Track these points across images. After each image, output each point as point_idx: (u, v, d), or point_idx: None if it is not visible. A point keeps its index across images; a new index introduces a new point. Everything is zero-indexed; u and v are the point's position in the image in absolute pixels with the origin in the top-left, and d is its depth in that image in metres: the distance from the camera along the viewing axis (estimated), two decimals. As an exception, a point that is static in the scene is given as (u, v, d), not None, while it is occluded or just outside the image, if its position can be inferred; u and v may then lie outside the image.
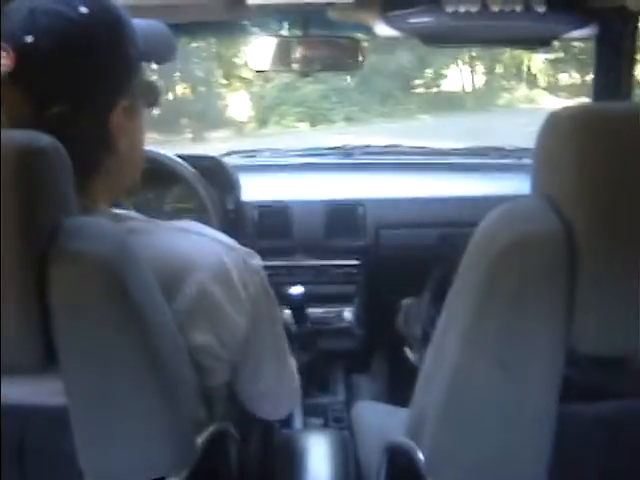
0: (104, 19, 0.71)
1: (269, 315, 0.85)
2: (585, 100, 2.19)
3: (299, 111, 9.25)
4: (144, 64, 0.80)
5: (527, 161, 1.85)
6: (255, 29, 1.77)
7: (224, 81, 9.55)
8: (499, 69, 11.34)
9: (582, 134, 0.63)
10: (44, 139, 0.61)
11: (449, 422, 0.73)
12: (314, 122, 9.21)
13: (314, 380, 1.78)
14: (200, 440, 0.73)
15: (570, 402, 0.69)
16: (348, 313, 1.76)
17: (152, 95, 0.84)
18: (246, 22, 1.72)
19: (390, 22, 1.26)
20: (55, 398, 0.66)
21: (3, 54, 0.66)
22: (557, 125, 0.66)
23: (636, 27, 1.36)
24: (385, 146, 2.16)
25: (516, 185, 1.45)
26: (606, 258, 0.63)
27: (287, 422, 1.66)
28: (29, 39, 0.66)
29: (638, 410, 0.73)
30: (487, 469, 0.73)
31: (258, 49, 1.43)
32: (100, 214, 0.73)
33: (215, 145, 6.67)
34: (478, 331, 0.68)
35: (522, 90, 11.46)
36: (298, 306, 1.46)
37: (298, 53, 1.42)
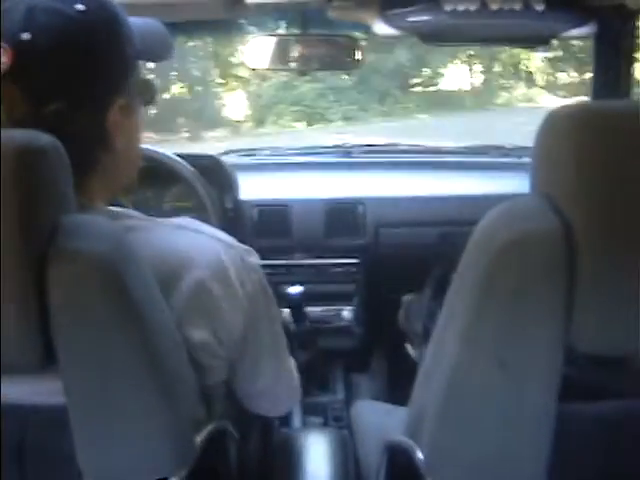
0: (101, 17, 0.71)
1: (267, 313, 0.85)
2: (584, 99, 2.19)
3: (296, 110, 9.24)
4: (141, 62, 0.80)
5: (526, 160, 1.85)
6: (252, 28, 1.77)
7: (221, 80, 9.55)
8: (497, 68, 11.34)
9: (581, 133, 0.63)
10: (44, 138, 0.61)
11: (448, 421, 0.73)
12: (311, 121, 9.21)
13: (313, 379, 1.78)
14: (199, 439, 0.73)
15: (569, 401, 0.69)
16: (348, 312, 1.76)
17: (149, 93, 0.84)
18: (243, 21, 1.71)
19: (389, 20, 1.26)
20: (55, 398, 0.66)
21: (1, 52, 0.65)
22: (556, 124, 0.66)
23: (635, 25, 1.35)
24: (384, 145, 2.16)
25: (515, 184, 1.45)
26: (605, 257, 0.63)
27: (286, 421, 1.66)
28: (27, 37, 0.66)
29: (638, 410, 0.73)
30: (486, 468, 0.73)
31: (256, 48, 1.43)
32: (97, 212, 0.73)
33: (212, 145, 6.66)
34: (477, 330, 0.68)
35: (521, 89, 11.47)
36: (297, 305, 1.46)
37: (296, 52, 1.42)
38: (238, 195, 1.62)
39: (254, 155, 2.04)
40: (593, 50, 1.44)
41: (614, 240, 0.62)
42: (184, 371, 0.72)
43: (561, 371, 0.67)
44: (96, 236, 0.63)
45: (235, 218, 1.58)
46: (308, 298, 1.51)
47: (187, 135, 8.35)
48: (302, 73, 1.54)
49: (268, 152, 2.06)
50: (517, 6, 1.19)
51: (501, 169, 1.90)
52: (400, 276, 1.45)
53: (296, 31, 1.45)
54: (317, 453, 1.15)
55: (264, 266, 0.84)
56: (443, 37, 1.32)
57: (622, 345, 0.66)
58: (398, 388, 1.01)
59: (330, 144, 2.18)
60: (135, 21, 0.76)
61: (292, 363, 0.97)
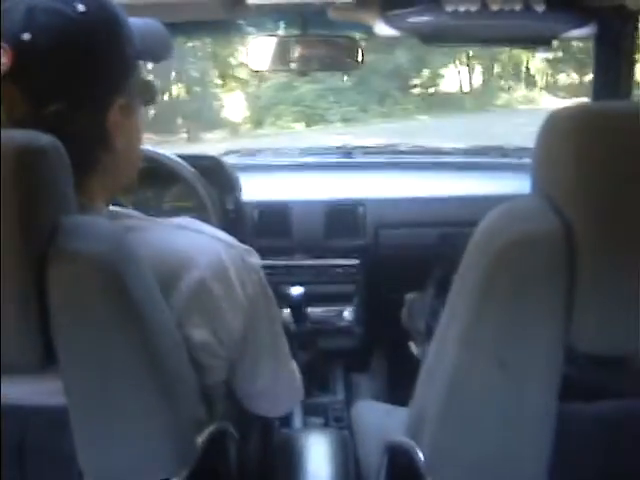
0: (101, 17, 0.71)
1: (267, 313, 0.84)
2: (584, 100, 2.19)
3: (295, 111, 9.25)
4: (141, 63, 0.80)
5: (527, 160, 1.85)
6: (251, 29, 1.77)
7: (220, 81, 9.55)
8: (497, 69, 11.36)
9: (582, 133, 0.63)
10: (44, 138, 0.61)
11: (449, 421, 0.73)
12: (310, 122, 9.22)
13: (314, 379, 1.78)
14: (200, 439, 0.73)
15: (570, 401, 0.69)
16: (348, 313, 1.76)
17: (149, 93, 0.84)
18: (242, 22, 1.71)
19: (390, 21, 1.26)
20: (55, 398, 0.66)
21: (1, 52, 0.65)
22: (557, 124, 0.66)
23: (635, 26, 1.35)
24: (385, 145, 2.16)
25: (516, 184, 1.45)
26: (605, 257, 0.63)
27: (287, 421, 1.66)
28: (27, 37, 0.66)
29: (638, 410, 0.73)
30: (487, 468, 0.73)
31: (257, 48, 1.43)
32: (97, 212, 0.73)
33: (210, 146, 6.67)
34: (477, 330, 0.68)
35: (521, 90, 11.49)
36: (298, 306, 1.47)
37: (297, 52, 1.42)
38: (239, 196, 1.62)
39: (255, 156, 2.04)
40: (593, 51, 1.44)
41: (614, 240, 0.62)
42: (184, 371, 0.72)
43: (561, 371, 0.67)
44: (96, 236, 0.63)
45: (236, 219, 1.58)
46: (308, 298, 1.51)
47: (185, 136, 8.34)
48: (303, 74, 1.54)
49: (269, 153, 2.06)
50: (517, 7, 1.19)
51: (501, 170, 1.90)
52: (400, 277, 1.45)
53: (296, 32, 1.45)
54: (317, 453, 1.15)
55: (264, 266, 0.84)
56: (444, 38, 1.32)
57: (622, 345, 0.66)
58: (398, 388, 1.01)
59: (330, 145, 2.18)
60: (135, 21, 0.76)
61: (293, 364, 0.97)
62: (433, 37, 1.31)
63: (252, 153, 2.06)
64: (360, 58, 1.44)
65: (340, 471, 1.11)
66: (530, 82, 11.26)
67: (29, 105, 0.67)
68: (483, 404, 0.70)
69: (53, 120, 0.67)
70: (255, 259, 0.82)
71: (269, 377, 0.89)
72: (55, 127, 0.64)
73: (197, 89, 9.31)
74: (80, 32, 0.69)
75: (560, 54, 9.14)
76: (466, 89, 11.36)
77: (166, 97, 8.30)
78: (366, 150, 2.06)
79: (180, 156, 1.52)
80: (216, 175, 1.58)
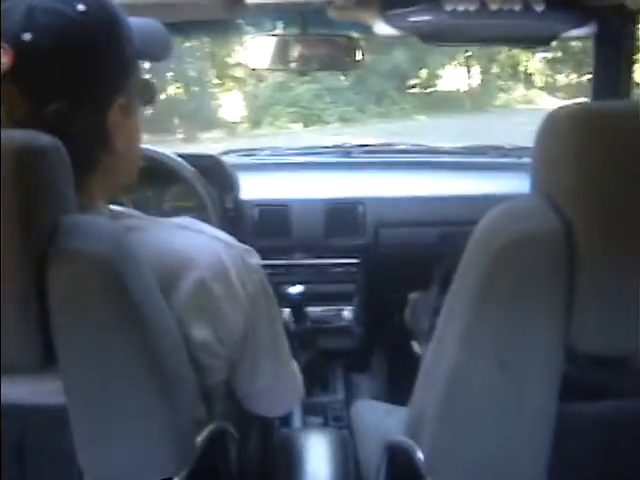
0: (102, 17, 0.71)
1: (267, 313, 0.84)
2: (583, 100, 2.19)
3: (293, 111, 9.23)
4: (139, 62, 0.80)
5: (526, 160, 1.85)
6: (250, 28, 1.77)
7: (217, 81, 9.54)
8: (496, 69, 11.36)
9: (581, 133, 0.63)
10: (44, 138, 0.61)
11: (448, 421, 0.73)
12: (308, 123, 9.20)
13: (314, 379, 1.78)
14: (200, 439, 0.73)
15: (570, 401, 0.69)
16: (348, 312, 1.76)
17: (148, 93, 0.84)
18: (240, 21, 1.71)
19: (389, 21, 1.26)
20: (55, 398, 0.66)
21: (1, 52, 0.65)
22: (556, 124, 0.66)
23: (635, 26, 1.36)
24: (384, 144, 2.16)
25: (516, 184, 1.45)
26: (605, 257, 0.63)
27: (286, 421, 1.66)
28: (27, 37, 0.66)
29: (638, 410, 0.73)
30: (486, 468, 0.73)
31: (256, 48, 1.43)
32: (97, 212, 0.73)
33: (207, 146, 6.65)
34: (477, 330, 0.68)
35: (519, 90, 11.48)
36: (298, 305, 1.47)
37: (296, 52, 1.42)
38: (239, 195, 1.62)
39: (254, 155, 2.04)
40: (593, 51, 1.44)
41: (614, 240, 0.62)
42: (184, 371, 0.72)
43: (561, 371, 0.67)
44: (96, 236, 0.63)
45: (235, 218, 1.58)
46: (308, 298, 1.51)
47: (182, 136, 8.33)
48: (302, 73, 1.54)
49: (268, 152, 2.06)
50: (517, 6, 1.19)
51: (501, 169, 1.90)
52: (400, 276, 1.45)
53: (295, 31, 1.45)
54: (317, 453, 1.15)
55: (264, 266, 0.84)
56: (443, 37, 1.32)
57: (622, 345, 0.66)
58: (398, 388, 1.01)
59: (329, 144, 2.18)
60: (135, 21, 0.76)
61: (294, 363, 0.97)
62: (432, 36, 1.31)
63: (251, 152, 2.06)
64: (360, 57, 1.44)
65: (340, 471, 1.11)
66: (529, 82, 11.25)
67: (29, 105, 0.67)
68: (483, 404, 0.70)
69: (53, 120, 0.67)
70: (255, 259, 0.82)
71: (269, 377, 0.89)
72: (55, 127, 0.65)
73: (195, 89, 9.30)
74: (80, 32, 0.69)
75: (559, 54, 9.14)
76: (464, 89, 11.35)
77: (163, 97, 8.28)
78: (366, 149, 2.06)
79: (180, 155, 1.52)
80: (216, 174, 1.58)
